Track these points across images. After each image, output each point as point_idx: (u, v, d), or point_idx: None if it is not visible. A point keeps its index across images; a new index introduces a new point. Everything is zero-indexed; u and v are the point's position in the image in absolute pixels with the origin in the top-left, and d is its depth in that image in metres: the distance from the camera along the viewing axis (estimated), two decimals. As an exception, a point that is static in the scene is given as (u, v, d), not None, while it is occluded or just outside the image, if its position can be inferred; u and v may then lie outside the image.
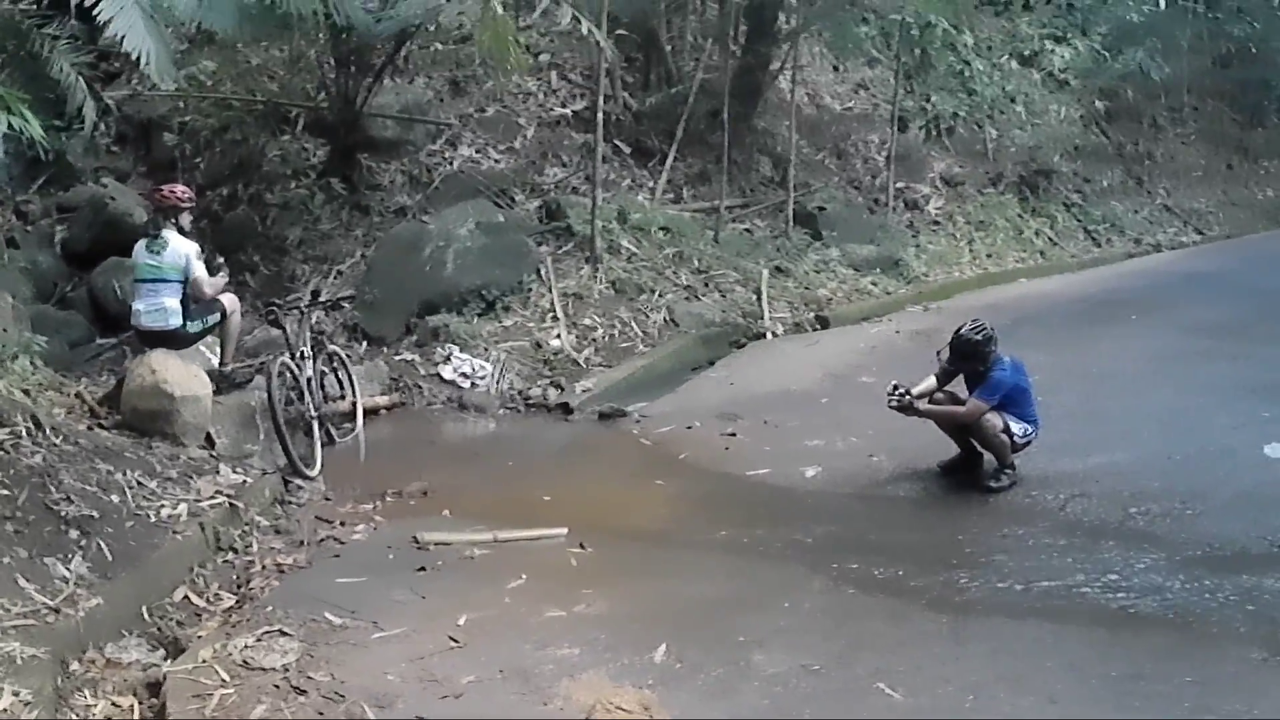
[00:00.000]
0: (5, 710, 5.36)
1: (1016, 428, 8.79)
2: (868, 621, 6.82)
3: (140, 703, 5.95)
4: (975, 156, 21.15)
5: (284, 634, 6.39)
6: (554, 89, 17.53)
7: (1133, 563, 7.52)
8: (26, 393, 8.79)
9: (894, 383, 9.09)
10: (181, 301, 9.61)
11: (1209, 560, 7.55)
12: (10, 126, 8.45)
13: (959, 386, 9.12)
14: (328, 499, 9.12)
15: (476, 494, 9.32)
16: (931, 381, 9.13)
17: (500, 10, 11.80)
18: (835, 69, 21.43)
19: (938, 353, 9.16)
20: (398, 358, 12.42)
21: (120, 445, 8.59)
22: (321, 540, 8.14)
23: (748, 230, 16.89)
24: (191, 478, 8.46)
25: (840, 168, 19.63)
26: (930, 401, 9.07)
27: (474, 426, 11.57)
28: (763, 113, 18.62)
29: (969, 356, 8.88)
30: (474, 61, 16.65)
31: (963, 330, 8.95)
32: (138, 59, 10.21)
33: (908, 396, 8.97)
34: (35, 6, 13.27)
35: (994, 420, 8.72)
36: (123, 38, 10.04)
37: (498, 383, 12.05)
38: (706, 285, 14.89)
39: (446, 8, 14.08)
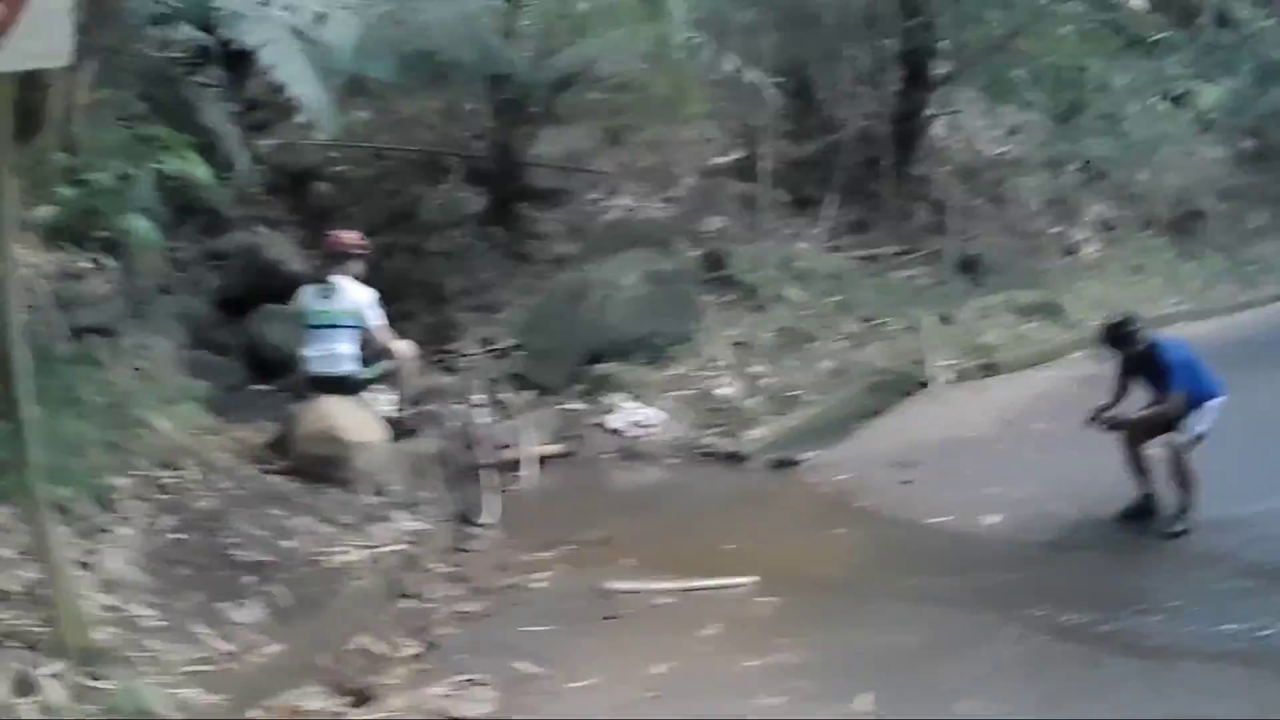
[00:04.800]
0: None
1: (1201, 425, 8.77)
2: (1064, 668, 6.84)
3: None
4: (1128, 199, 20.67)
5: (477, 683, 6.30)
6: (710, 139, 17.43)
7: (1319, 604, 7.33)
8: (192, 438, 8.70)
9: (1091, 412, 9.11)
10: (356, 347, 9.57)
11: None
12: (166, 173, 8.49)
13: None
14: (504, 547, 9.00)
15: (656, 542, 9.12)
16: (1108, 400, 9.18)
17: (683, 55, 11.79)
18: (989, 114, 21.11)
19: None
20: (565, 406, 12.20)
21: (290, 491, 8.49)
22: (502, 588, 8.05)
23: (909, 277, 16.55)
24: (366, 524, 8.34)
25: (997, 213, 19.22)
26: None
27: (644, 475, 11.35)
28: (919, 159, 18.30)
29: (1119, 340, 9.02)
30: (631, 110, 16.55)
31: (1105, 321, 9.36)
32: (301, 106, 10.25)
33: (1109, 412, 8.98)
34: (184, 55, 13.52)
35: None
36: (285, 85, 10.11)
37: (666, 431, 11.82)
38: (871, 333, 14.57)
39: (613, 54, 14.09)
